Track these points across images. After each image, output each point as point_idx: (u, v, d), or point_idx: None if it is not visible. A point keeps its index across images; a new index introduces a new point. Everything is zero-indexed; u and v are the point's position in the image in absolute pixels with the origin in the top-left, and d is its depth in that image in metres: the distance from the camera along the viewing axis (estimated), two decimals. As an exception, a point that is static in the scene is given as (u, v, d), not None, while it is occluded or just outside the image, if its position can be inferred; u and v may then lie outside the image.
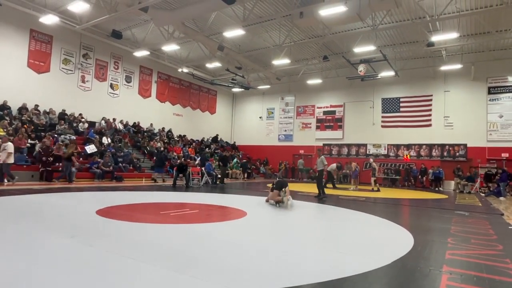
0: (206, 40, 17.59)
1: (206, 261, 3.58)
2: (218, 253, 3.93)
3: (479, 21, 14.94)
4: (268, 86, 25.40)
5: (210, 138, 25.90)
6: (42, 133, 14.16)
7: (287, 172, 24.46)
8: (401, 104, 21.54)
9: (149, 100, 21.80)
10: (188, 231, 5.23)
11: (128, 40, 18.76)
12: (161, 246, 4.16)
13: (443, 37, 15.64)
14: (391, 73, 19.31)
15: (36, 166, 12.51)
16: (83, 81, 17.98)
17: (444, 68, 19.25)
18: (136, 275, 3.07)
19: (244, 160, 23.23)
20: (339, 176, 20.79)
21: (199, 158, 19.11)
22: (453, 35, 15.25)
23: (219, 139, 26.44)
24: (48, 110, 16.00)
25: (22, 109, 15.03)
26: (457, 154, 19.65)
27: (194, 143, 23.42)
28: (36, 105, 15.56)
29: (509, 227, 6.87)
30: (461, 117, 19.60)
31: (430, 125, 20.56)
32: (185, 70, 22.38)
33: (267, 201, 9.13)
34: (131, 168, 15.91)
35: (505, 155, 18.16)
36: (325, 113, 24.51)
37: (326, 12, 12.34)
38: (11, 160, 10.89)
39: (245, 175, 21.68)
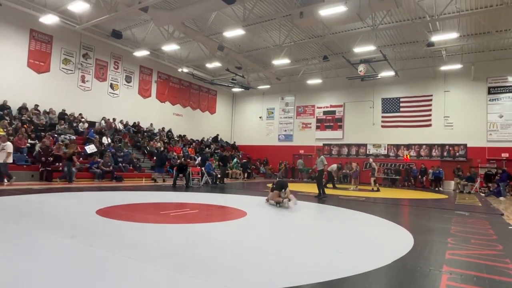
0: (206, 40, 17.59)
1: (206, 261, 3.58)
2: (218, 253, 3.94)
3: (479, 21, 14.94)
4: (268, 86, 25.39)
5: (210, 138, 25.90)
6: (42, 133, 14.16)
7: (287, 172, 24.45)
8: (401, 104, 21.53)
9: (149, 100, 21.79)
10: (188, 231, 5.24)
11: (128, 40, 18.75)
12: (161, 246, 4.16)
13: (443, 37, 15.63)
14: (391, 73, 19.30)
15: (36, 166, 12.52)
16: (83, 81, 17.98)
17: (444, 68, 19.25)
18: (136, 275, 3.07)
19: (244, 160, 23.22)
20: (339, 176, 20.80)
21: (199, 158, 19.11)
22: (453, 35, 15.26)
23: (219, 139, 26.45)
24: (48, 110, 16.00)
25: (22, 109, 15.03)
26: (457, 154, 19.64)
27: (194, 143, 23.41)
28: (36, 105, 15.57)
29: (509, 227, 6.87)
30: (461, 117, 19.59)
31: (430, 125, 20.56)
32: (185, 70, 22.37)
33: (267, 201, 9.14)
34: (131, 168, 15.91)
35: (505, 155, 18.15)
36: (325, 113, 24.50)
37: (326, 12, 12.34)
38: (10, 160, 10.91)
39: (245, 175, 21.66)
